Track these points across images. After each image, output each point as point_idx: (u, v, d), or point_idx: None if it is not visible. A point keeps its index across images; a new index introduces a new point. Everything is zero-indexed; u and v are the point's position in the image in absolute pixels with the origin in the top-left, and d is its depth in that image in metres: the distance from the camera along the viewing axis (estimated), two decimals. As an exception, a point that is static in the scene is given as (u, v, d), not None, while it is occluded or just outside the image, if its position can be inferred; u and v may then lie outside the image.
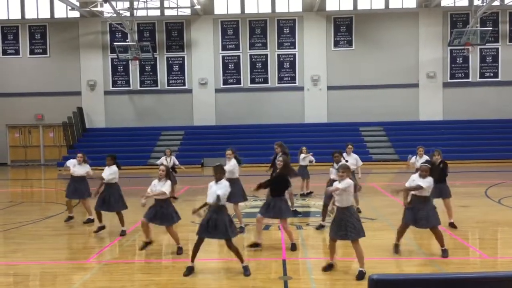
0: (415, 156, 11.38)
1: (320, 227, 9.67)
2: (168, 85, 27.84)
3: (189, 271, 6.98)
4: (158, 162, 13.55)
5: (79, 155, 10.79)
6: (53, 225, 10.61)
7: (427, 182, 7.46)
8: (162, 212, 7.89)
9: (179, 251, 8.11)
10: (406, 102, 27.06)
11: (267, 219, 8.51)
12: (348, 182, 6.73)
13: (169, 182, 7.99)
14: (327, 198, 9.03)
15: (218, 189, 6.93)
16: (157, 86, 27.84)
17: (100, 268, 7.47)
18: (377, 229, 9.63)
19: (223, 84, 27.63)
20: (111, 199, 9.56)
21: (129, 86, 27.87)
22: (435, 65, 27.01)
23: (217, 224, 6.82)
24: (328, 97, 27.34)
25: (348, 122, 26.82)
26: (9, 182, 21.78)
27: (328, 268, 7.04)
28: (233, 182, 8.79)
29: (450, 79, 27.15)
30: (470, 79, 27.13)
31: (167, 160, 14.14)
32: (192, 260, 7.02)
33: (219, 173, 7.17)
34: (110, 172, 9.64)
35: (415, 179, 7.62)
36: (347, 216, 6.72)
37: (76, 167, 10.70)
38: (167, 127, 27.43)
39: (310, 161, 13.79)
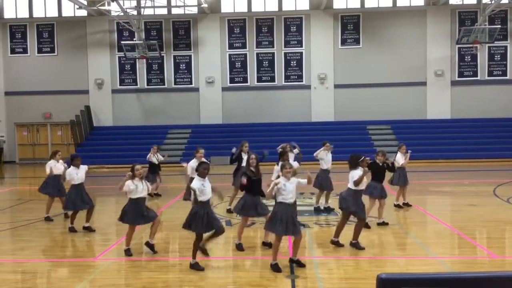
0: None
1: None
2: (175, 84, 27.87)
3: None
4: (153, 159, 14.00)
5: (60, 153, 11.05)
6: (61, 223, 10.65)
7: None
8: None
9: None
10: (414, 101, 26.91)
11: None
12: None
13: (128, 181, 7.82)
14: None
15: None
16: (164, 84, 27.88)
17: (107, 266, 7.49)
18: (383, 228, 9.58)
19: (230, 83, 27.62)
20: (85, 196, 9.70)
21: (136, 85, 27.94)
22: (443, 63, 26.83)
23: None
24: (335, 95, 27.25)
25: (355, 121, 26.73)
26: (17, 180, 21.91)
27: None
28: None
29: (458, 77, 26.97)
30: (478, 78, 26.93)
31: (156, 156, 14.32)
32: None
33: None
34: (84, 172, 9.80)
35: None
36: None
37: (57, 165, 10.84)
38: (174, 126, 27.46)
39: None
